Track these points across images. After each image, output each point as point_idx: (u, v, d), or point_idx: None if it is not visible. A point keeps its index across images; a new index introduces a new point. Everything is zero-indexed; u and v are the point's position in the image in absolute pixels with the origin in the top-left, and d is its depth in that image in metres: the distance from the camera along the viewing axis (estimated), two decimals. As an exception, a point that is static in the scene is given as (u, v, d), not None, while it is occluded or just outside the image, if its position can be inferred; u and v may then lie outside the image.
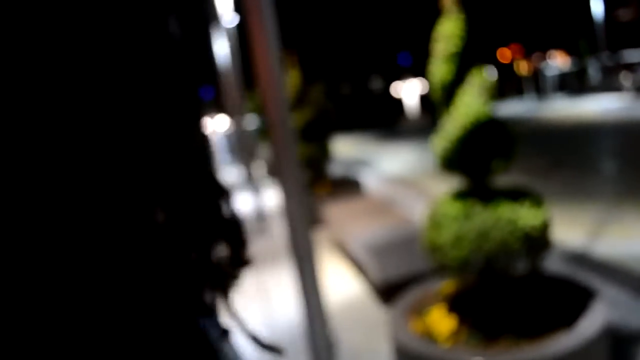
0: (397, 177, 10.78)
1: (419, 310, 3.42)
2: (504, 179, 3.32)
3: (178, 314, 0.43)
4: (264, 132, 13.90)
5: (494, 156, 2.96)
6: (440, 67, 2.94)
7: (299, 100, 8.24)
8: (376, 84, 36.75)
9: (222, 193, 0.50)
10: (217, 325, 0.47)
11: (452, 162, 3.00)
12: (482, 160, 2.96)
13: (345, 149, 17.03)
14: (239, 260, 0.50)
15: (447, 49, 2.89)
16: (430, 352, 2.93)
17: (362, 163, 13.67)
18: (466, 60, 2.92)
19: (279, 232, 6.94)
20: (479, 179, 3.07)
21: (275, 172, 3.02)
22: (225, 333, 0.48)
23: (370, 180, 10.48)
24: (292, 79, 8.35)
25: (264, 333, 4.58)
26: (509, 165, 2.99)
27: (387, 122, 26.04)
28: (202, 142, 0.49)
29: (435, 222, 3.10)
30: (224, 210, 0.49)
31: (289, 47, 8.54)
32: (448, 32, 2.88)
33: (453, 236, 2.96)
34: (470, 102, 2.87)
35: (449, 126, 2.99)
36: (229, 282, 0.50)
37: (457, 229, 2.95)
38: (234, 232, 0.50)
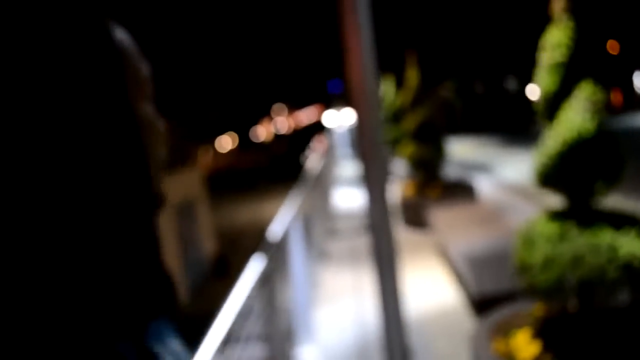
0: (515, 185, 10.26)
1: (505, 330, 3.26)
2: (614, 201, 3.06)
3: (96, 337, 0.50)
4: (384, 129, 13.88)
5: (598, 176, 2.74)
6: (544, 78, 2.76)
7: (417, 100, 8.12)
8: (512, 84, 35.10)
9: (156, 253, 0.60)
10: (136, 350, 0.54)
11: (549, 178, 2.81)
12: (583, 180, 2.75)
13: (467, 150, 16.49)
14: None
15: (553, 58, 2.71)
16: (508, 376, 2.79)
17: (481, 167, 13.17)
18: (574, 72, 2.71)
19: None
20: (579, 200, 2.85)
21: (363, 174, 3.02)
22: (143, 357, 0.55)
23: (485, 186, 10.07)
24: (411, 79, 8.24)
25: (352, 330, 4.61)
26: (612, 187, 2.75)
27: (519, 124, 24.78)
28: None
29: (527, 240, 2.94)
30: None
31: (410, 46, 8.45)
32: (555, 40, 2.70)
33: (544, 257, 2.79)
34: (574, 117, 2.67)
35: (550, 141, 2.81)
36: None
37: (549, 251, 2.78)
38: (165, 286, 0.60)
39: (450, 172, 10.01)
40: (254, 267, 2.93)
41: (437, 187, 7.83)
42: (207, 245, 16.67)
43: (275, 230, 3.85)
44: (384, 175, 2.97)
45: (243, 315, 2.57)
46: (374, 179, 2.94)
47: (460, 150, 15.98)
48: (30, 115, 0.49)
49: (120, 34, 0.60)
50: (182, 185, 15.88)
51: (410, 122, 8.02)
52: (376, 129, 2.92)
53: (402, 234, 7.49)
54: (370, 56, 2.85)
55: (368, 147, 2.91)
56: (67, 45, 0.51)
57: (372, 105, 2.89)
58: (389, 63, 14.21)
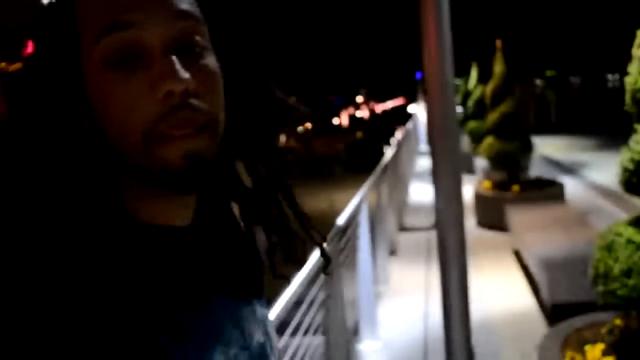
0: (607, 188, 9.63)
1: (577, 342, 3.07)
2: None
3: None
4: (463, 121, 13.47)
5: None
6: (636, 74, 2.53)
7: (502, 93, 7.77)
8: (613, 79, 33.00)
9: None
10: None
11: (634, 182, 2.59)
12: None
13: (558, 149, 15.65)
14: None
15: (648, 52, 2.48)
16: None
17: (571, 168, 12.46)
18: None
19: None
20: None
21: (433, 168, 2.92)
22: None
23: (573, 187, 9.51)
24: (497, 70, 7.90)
25: (417, 328, 4.51)
26: None
27: (620, 124, 23.14)
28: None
29: (607, 246, 2.73)
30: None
31: (500, 35, 8.11)
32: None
33: (625, 265, 2.58)
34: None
35: (637, 144, 2.59)
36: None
37: (630, 258, 2.57)
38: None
39: (536, 171, 9.54)
40: (313, 261, 2.90)
41: (518, 186, 7.49)
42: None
43: (343, 219, 3.80)
44: (454, 170, 2.86)
45: (299, 303, 2.55)
46: (443, 174, 2.84)
47: (550, 149, 15.21)
48: None
49: None
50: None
51: (494, 116, 7.71)
52: (448, 122, 2.81)
53: (478, 232, 7.25)
54: (448, 49, 2.74)
55: (439, 140, 2.81)
56: None
57: (446, 99, 2.79)
58: (476, 53, 13.74)
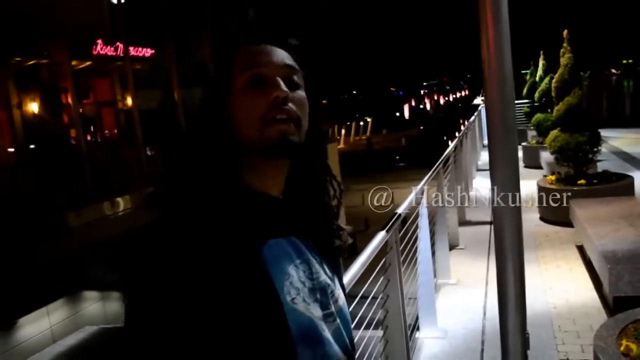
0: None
1: (635, 332, 3.07)
2: None
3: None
4: (530, 114, 13.14)
5: None
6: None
7: (569, 84, 7.59)
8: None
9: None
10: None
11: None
12: None
13: (631, 143, 15.00)
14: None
15: None
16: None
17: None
18: None
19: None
20: None
21: (490, 160, 2.98)
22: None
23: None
24: (563, 61, 7.73)
25: (477, 319, 4.56)
26: None
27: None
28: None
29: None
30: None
31: (570, 23, 7.93)
32: None
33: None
34: None
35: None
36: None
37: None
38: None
39: (605, 165, 9.25)
40: (374, 245, 3.02)
41: (584, 179, 7.33)
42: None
43: (403, 208, 3.88)
44: (512, 163, 2.89)
45: (355, 295, 2.65)
46: (501, 166, 2.88)
47: (622, 142, 14.61)
48: None
49: None
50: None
51: (560, 108, 7.56)
52: (506, 115, 2.84)
53: (541, 227, 7.16)
54: (506, 39, 2.75)
55: (497, 132, 2.85)
56: None
57: (504, 91, 2.81)
58: (545, 42, 13.36)
